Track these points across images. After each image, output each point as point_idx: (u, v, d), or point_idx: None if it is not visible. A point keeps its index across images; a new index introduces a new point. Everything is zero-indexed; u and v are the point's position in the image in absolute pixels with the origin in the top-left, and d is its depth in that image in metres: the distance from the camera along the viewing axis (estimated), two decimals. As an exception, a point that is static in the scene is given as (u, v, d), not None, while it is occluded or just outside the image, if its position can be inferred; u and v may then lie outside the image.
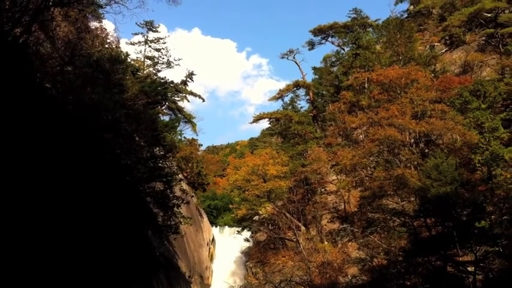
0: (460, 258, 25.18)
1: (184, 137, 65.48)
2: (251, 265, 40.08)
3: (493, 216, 24.80)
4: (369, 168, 39.50)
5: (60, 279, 16.50)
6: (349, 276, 31.72)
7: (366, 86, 47.39)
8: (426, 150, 36.60)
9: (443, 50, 57.48)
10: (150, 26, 54.31)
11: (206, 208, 67.51)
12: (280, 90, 58.86)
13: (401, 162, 35.56)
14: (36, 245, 14.83)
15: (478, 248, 23.78)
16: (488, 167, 30.28)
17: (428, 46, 56.21)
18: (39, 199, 15.50)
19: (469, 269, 24.44)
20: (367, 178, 38.06)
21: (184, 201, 33.24)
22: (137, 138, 30.28)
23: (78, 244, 18.52)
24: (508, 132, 32.00)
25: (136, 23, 54.10)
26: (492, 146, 29.75)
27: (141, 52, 53.37)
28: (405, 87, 39.02)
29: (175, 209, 32.11)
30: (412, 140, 37.50)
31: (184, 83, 60.19)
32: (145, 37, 54.42)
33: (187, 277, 41.57)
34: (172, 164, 38.17)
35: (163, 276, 34.15)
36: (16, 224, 13.91)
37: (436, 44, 58.43)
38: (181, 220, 33.40)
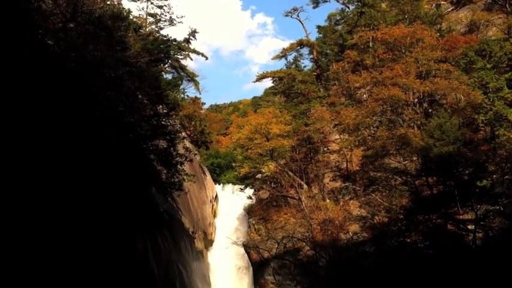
0: (461, 217, 25.48)
1: (187, 96, 65.28)
2: (254, 222, 40.61)
3: (494, 176, 24.99)
4: (371, 128, 39.51)
5: (66, 232, 16.85)
6: (350, 233, 32.22)
7: (371, 45, 46.84)
8: (430, 110, 36.51)
9: (450, 9, 56.41)
10: (152, -18, 53.21)
11: (209, 166, 67.92)
12: (284, 49, 58.24)
13: (405, 121, 35.55)
14: (42, 198, 15.08)
15: (478, 206, 24.05)
16: (491, 127, 30.30)
17: (434, 5, 55.12)
18: (43, 155, 15.65)
19: (469, 227, 24.79)
20: (369, 137, 38.14)
21: (188, 159, 33.44)
22: (140, 96, 30.23)
23: (83, 199, 18.80)
24: (512, 92, 31.86)
25: (138, -20, 53.02)
26: (496, 106, 29.68)
27: (143, 9, 52.38)
28: (410, 46, 38.58)
29: (178, 166, 32.33)
30: (416, 100, 37.36)
31: (187, 41, 59.43)
32: (148, -6, 53.39)
33: (190, 233, 42.24)
34: (175, 122, 38.20)
35: (167, 231, 34.69)
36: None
37: (442, 2, 57.29)
38: (185, 177, 33.69)
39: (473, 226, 24.00)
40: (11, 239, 13.61)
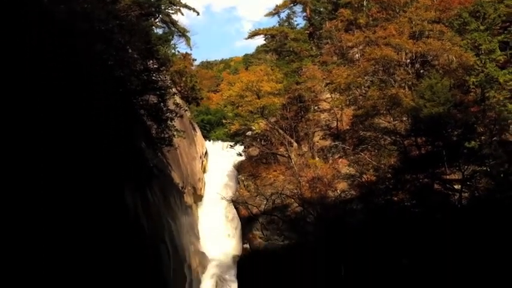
0: (448, 177, 25.88)
1: (178, 51, 64.53)
2: (243, 178, 40.97)
3: (483, 137, 25.26)
4: (363, 87, 39.50)
5: (55, 182, 16.91)
6: (338, 191, 32.64)
7: (365, 4, 46.25)
8: (421, 71, 36.46)
9: (446, -32, 55.59)
10: None
11: (199, 122, 67.82)
12: (277, 6, 57.34)
13: (396, 82, 35.54)
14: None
15: (466, 167, 24.39)
16: (482, 89, 30.43)
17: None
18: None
19: (455, 187, 25.19)
20: (360, 97, 38.18)
21: (178, 115, 33.36)
22: (130, 51, 29.86)
23: (71, 152, 18.78)
24: (504, 54, 31.84)
25: None
26: (488, 68, 29.71)
27: (133, -40, 51.13)
28: (404, 6, 38.20)
29: (168, 122, 32.29)
30: (408, 60, 37.25)
31: (178, -6, 58.38)
32: None
33: (180, 188, 42.58)
34: (165, 77, 37.88)
35: (157, 186, 34.94)
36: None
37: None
38: (175, 133, 33.70)
39: (460, 186, 24.39)
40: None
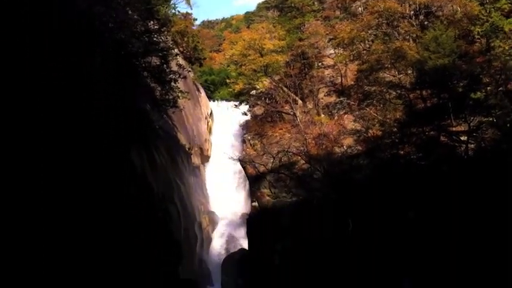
0: (454, 128, 25.83)
1: (178, 11, 63.48)
2: (249, 137, 41.10)
3: (488, 88, 25.05)
4: (367, 42, 38.98)
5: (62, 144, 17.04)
6: (344, 146, 32.72)
7: (367, -46, 45.14)
8: (426, 23, 35.87)
9: None
10: None
11: (203, 83, 67.53)
12: (277, -40, 56.09)
13: (400, 34, 35.05)
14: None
15: (472, 118, 24.30)
16: (487, 39, 30.00)
17: None
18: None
19: (461, 138, 25.16)
20: (364, 51, 37.74)
21: (181, 76, 33.25)
22: (130, 12, 29.49)
23: (77, 114, 18.84)
24: (509, 3, 31.18)
25: None
26: (492, 17, 29.22)
27: None
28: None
29: (172, 83, 32.21)
30: (412, 12, 36.62)
31: (176, -50, 57.04)
32: None
33: (187, 149, 42.84)
34: (167, 38, 37.52)
35: (164, 148, 35.14)
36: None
37: None
38: (179, 94, 33.65)
39: (466, 137, 24.35)
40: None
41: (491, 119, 23.97)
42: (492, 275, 19.64)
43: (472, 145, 25.07)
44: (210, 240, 43.48)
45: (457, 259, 20.65)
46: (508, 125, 22.90)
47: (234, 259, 38.55)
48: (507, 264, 18.84)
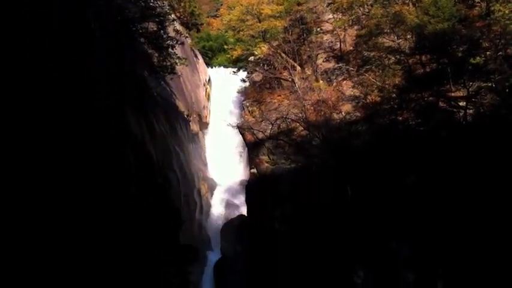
0: (453, 94, 25.76)
1: (175, -25, 62.49)
2: (248, 104, 40.97)
3: (488, 52, 24.84)
4: (366, 6, 38.41)
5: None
6: (343, 113, 32.65)
7: None
8: (426, -14, 35.32)
9: None
10: None
11: (201, 49, 66.87)
12: None
13: (400, -2, 34.57)
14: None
15: (471, 83, 24.20)
16: (487, 3, 29.57)
17: None
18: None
19: (460, 104, 25.13)
20: (363, 16, 37.25)
21: (179, 42, 32.93)
22: (125, -24, 29.05)
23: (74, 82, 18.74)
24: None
25: None
26: (492, -20, 28.76)
27: None
28: None
29: (170, 49, 31.94)
30: (412, -25, 36.02)
31: None
32: None
33: (185, 116, 42.78)
34: (163, 3, 36.95)
35: (162, 115, 35.07)
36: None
37: None
38: (177, 61, 33.41)
39: (465, 103, 24.31)
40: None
41: (490, 84, 23.86)
42: (490, 237, 19.93)
43: (471, 110, 25.05)
44: (209, 206, 43.87)
45: (455, 223, 20.92)
46: (507, 90, 22.83)
47: (233, 225, 39.03)
48: (505, 227, 19.12)
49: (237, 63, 49.60)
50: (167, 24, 32.05)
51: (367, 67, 33.66)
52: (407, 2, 34.25)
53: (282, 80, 41.04)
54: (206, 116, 51.58)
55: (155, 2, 31.61)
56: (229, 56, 49.09)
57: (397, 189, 24.16)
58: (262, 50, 42.03)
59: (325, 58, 40.81)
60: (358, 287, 24.59)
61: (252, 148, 36.25)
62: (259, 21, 39.14)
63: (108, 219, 21.83)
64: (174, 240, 31.57)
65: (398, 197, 23.73)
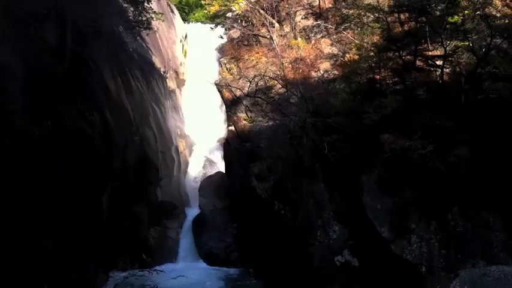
0: (430, 53, 25.86)
1: None
2: (225, 61, 40.54)
3: (466, 12, 24.85)
4: (345, -38, 37.94)
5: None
6: (321, 71, 32.67)
7: None
8: None
9: None
10: None
11: (177, 4, 65.40)
12: None
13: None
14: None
15: (448, 43, 24.29)
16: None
17: None
18: None
19: (437, 62, 25.28)
20: (343, -28, 36.85)
21: (155, -4, 32.30)
22: None
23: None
24: None
25: None
26: None
27: None
28: None
29: (145, 4, 31.35)
30: None
31: None
32: None
33: (162, 72, 42.31)
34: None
35: (138, 71, 34.68)
36: None
37: None
38: (153, 16, 32.88)
39: (442, 62, 24.46)
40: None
41: (467, 43, 24.00)
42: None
43: (448, 69, 25.30)
44: (187, 163, 44.04)
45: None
46: (484, 50, 23.05)
47: (211, 182, 39.33)
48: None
49: (214, 19, 48.83)
50: (142, -23, 31.37)
51: (346, 25, 33.45)
52: (387, -42, 33.90)
53: (260, 37, 40.62)
54: (183, 73, 51.02)
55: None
56: (206, 11, 48.25)
57: (373, 144, 24.51)
58: (240, 6, 41.44)
59: (304, 15, 40.44)
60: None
61: (230, 106, 36.18)
62: (238, -24, 38.50)
63: (86, 175, 21.84)
64: (152, 196, 31.81)
65: (375, 152, 24.08)
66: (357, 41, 30.65)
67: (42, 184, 17.71)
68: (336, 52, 32.81)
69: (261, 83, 33.73)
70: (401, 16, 27.73)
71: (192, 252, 32.55)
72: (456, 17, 23.59)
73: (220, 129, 45.26)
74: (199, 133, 46.45)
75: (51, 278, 16.71)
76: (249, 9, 41.05)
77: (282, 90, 32.78)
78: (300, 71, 33.22)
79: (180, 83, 50.00)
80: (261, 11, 40.27)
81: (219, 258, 31.19)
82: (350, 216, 25.16)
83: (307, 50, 34.77)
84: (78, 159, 21.43)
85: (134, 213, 29.05)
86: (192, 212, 37.38)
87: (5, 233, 15.66)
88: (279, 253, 26.70)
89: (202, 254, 32.04)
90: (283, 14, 40.82)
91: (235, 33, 44.29)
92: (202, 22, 60.47)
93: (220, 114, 45.46)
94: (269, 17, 39.95)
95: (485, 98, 21.66)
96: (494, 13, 25.19)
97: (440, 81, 24.75)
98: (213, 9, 42.92)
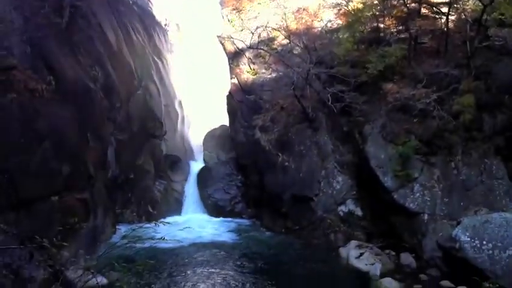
0: (435, 0, 25.49)
1: None
2: (227, 13, 39.74)
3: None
4: None
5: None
6: (324, 20, 32.11)
7: None
8: None
9: None
10: None
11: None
12: None
13: None
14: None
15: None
16: None
17: None
18: None
19: (442, 10, 24.86)
20: None
21: None
22: None
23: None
24: None
25: None
26: None
27: None
28: None
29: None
30: None
31: None
32: None
33: (163, 25, 41.79)
34: None
35: (140, 24, 34.23)
36: None
37: None
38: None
39: (447, 9, 24.01)
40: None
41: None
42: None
43: (453, 16, 24.89)
44: (190, 117, 44.06)
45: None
46: (490, -4, 22.60)
47: (215, 135, 39.44)
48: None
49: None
50: None
51: (349, -29, 32.72)
52: None
53: (261, -14, 39.74)
54: (184, 27, 50.34)
55: None
56: (205, -39, 47.05)
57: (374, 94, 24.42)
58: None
59: (306, -37, 39.40)
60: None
61: (232, 58, 35.81)
62: None
63: (90, 129, 21.94)
64: (157, 149, 31.97)
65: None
66: (360, -11, 30.04)
67: (46, 139, 17.79)
68: (339, 1, 32.14)
69: (263, 34, 33.25)
70: (406, -38, 27.11)
71: (198, 205, 32.95)
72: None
73: (222, 82, 44.96)
74: (202, 86, 46.17)
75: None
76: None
77: (285, 41, 32.40)
78: (303, 21, 32.73)
79: (182, 35, 49.39)
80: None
81: (225, 210, 31.60)
82: (353, 167, 25.36)
83: (311, -1, 34.11)
84: (82, 113, 21.43)
85: (139, 167, 29.28)
86: (197, 165, 37.67)
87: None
88: (283, 204, 27.03)
89: (208, 206, 32.44)
90: (285, -39, 39.81)
91: (236, -17, 43.30)
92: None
93: (223, 67, 45.06)
94: (271, -36, 38.99)
95: (490, 45, 21.45)
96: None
97: (445, 29, 24.39)
98: (213, -43, 41.90)
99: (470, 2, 24.29)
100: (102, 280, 8.56)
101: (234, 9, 40.22)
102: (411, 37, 25.02)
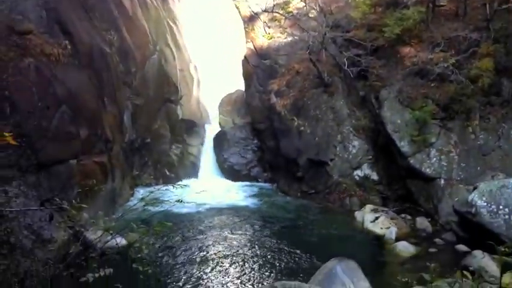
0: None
1: None
2: (242, -25, 39.20)
3: None
4: None
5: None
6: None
7: None
8: None
9: None
10: None
11: None
12: None
13: None
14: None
15: None
16: None
17: None
18: None
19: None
20: None
21: None
22: None
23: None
24: None
25: None
26: None
27: None
28: None
29: None
30: None
31: None
32: None
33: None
34: None
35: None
36: None
37: None
38: None
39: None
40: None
41: None
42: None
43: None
44: (205, 81, 43.98)
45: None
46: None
47: (231, 99, 39.45)
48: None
49: None
50: None
51: None
52: None
53: None
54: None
55: None
56: None
57: (391, 58, 24.08)
58: None
59: None
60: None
61: (247, 22, 35.36)
62: None
63: (107, 93, 22.07)
64: (173, 114, 32.11)
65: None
66: None
67: (63, 103, 17.95)
68: (356, -38, 31.42)
69: (279, -3, 32.73)
70: None
71: (214, 169, 33.25)
72: None
73: (238, 46, 44.63)
74: (217, 50, 46.03)
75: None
76: None
77: (301, 4, 31.92)
78: (319, -18, 32.12)
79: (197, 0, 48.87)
80: None
81: (241, 174, 31.84)
82: (369, 131, 25.28)
83: (327, -41, 33.33)
84: (98, 78, 21.54)
85: (156, 131, 29.51)
86: (213, 129, 37.83)
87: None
88: (299, 169, 27.17)
89: (224, 170, 32.72)
90: None
91: None
92: None
93: (238, 31, 44.64)
94: None
95: (510, 7, 20.92)
96: None
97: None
98: None
99: None
100: (121, 241, 8.77)
101: (248, -27, 39.56)
102: (430, -1, 24.46)
